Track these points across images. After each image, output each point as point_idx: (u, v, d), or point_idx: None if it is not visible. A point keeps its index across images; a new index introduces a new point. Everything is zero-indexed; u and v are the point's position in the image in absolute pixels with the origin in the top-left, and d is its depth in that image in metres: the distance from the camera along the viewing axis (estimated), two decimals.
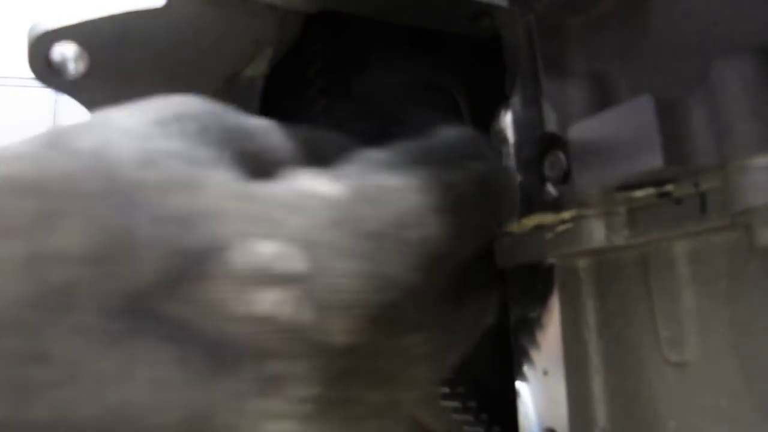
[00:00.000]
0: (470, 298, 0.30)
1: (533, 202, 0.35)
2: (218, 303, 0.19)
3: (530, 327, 0.39)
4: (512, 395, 0.41)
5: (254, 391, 0.19)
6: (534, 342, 0.38)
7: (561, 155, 0.32)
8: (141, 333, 0.19)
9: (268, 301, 0.19)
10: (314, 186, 0.22)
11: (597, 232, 0.33)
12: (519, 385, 0.40)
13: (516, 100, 0.43)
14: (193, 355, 0.19)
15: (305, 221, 0.20)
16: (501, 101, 0.41)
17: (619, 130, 0.29)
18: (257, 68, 0.37)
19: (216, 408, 0.19)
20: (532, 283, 0.38)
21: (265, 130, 0.25)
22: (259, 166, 0.23)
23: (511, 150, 0.38)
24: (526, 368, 0.39)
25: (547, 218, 0.35)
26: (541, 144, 0.34)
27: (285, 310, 0.19)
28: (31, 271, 0.18)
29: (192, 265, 0.19)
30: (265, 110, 0.43)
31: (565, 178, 0.32)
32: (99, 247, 0.18)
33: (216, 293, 0.19)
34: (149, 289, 0.19)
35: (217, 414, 0.19)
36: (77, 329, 0.18)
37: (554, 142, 0.33)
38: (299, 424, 0.20)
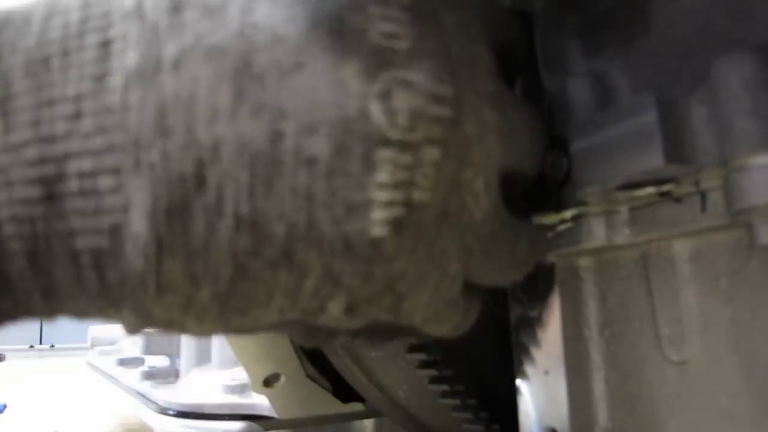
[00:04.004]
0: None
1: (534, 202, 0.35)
2: None
3: (531, 326, 0.39)
4: (512, 393, 0.41)
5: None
6: (535, 341, 0.38)
7: (562, 154, 0.32)
8: None
9: None
10: None
11: (597, 231, 0.33)
12: (519, 383, 0.40)
13: None
14: None
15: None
16: None
17: (619, 129, 0.29)
18: None
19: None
20: (532, 282, 0.38)
21: None
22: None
23: None
24: (526, 367, 0.39)
25: (547, 217, 0.35)
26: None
27: None
28: None
29: None
30: None
31: (565, 178, 0.32)
32: None
33: None
34: None
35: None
36: None
37: (555, 142, 0.33)
38: None
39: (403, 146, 0.23)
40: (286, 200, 0.22)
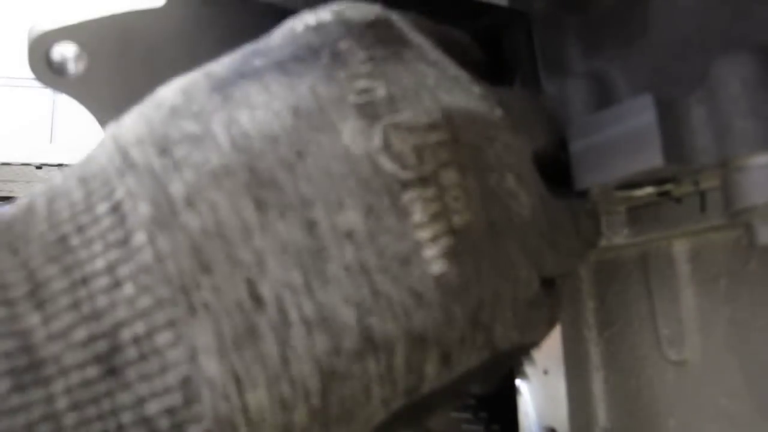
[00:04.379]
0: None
1: None
2: None
3: None
4: (512, 393, 0.41)
5: None
6: None
7: (561, 155, 0.32)
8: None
9: None
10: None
11: None
12: (519, 383, 0.40)
13: None
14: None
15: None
16: None
17: (618, 129, 0.29)
18: None
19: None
20: None
21: None
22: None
23: None
24: (526, 367, 0.39)
25: None
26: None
27: None
28: None
29: None
30: None
31: (564, 178, 0.32)
32: None
33: None
34: None
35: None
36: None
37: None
38: None
39: (423, 181, 0.23)
40: (344, 281, 0.22)
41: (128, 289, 0.20)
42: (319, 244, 0.22)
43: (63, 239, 0.21)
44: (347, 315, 0.22)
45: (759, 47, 0.26)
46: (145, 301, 0.20)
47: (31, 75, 0.35)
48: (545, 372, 0.38)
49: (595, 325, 0.36)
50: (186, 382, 0.20)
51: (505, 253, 0.26)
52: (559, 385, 0.37)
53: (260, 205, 0.21)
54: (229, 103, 0.23)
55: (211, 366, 0.20)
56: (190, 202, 0.21)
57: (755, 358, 0.29)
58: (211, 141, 0.22)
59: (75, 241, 0.21)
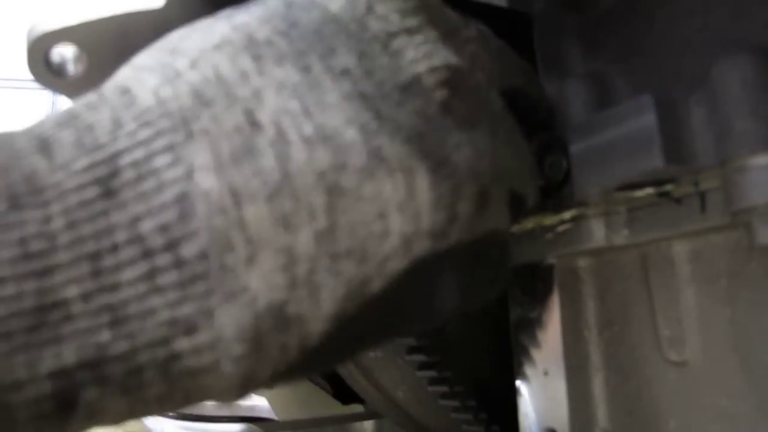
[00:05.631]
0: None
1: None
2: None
3: (530, 327, 0.39)
4: (512, 394, 0.41)
5: None
6: (534, 342, 0.38)
7: (561, 155, 0.32)
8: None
9: None
10: None
11: (597, 232, 0.33)
12: (519, 384, 0.40)
13: None
14: None
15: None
16: None
17: (619, 130, 0.29)
18: None
19: None
20: (532, 283, 0.38)
21: None
22: None
23: None
24: (526, 368, 0.39)
25: (546, 218, 0.35)
26: (541, 144, 0.34)
27: None
28: None
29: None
30: None
31: (565, 179, 0.32)
32: None
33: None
34: None
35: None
36: None
37: (554, 142, 0.33)
38: None
39: (409, 31, 0.25)
40: (345, 107, 0.22)
41: (129, 125, 0.21)
42: (315, 80, 0.22)
43: (73, 115, 0.22)
44: (351, 134, 0.22)
45: (759, 48, 0.26)
46: (145, 133, 0.21)
47: (31, 76, 0.35)
48: (545, 373, 0.38)
49: (595, 325, 0.36)
50: (181, 198, 0.20)
51: (495, 107, 0.27)
52: (559, 385, 0.37)
53: (257, 58, 0.22)
54: (231, 15, 0.25)
55: (207, 180, 0.20)
56: (192, 66, 0.22)
57: (756, 359, 0.29)
58: (213, 31, 0.24)
59: (84, 114, 0.22)
